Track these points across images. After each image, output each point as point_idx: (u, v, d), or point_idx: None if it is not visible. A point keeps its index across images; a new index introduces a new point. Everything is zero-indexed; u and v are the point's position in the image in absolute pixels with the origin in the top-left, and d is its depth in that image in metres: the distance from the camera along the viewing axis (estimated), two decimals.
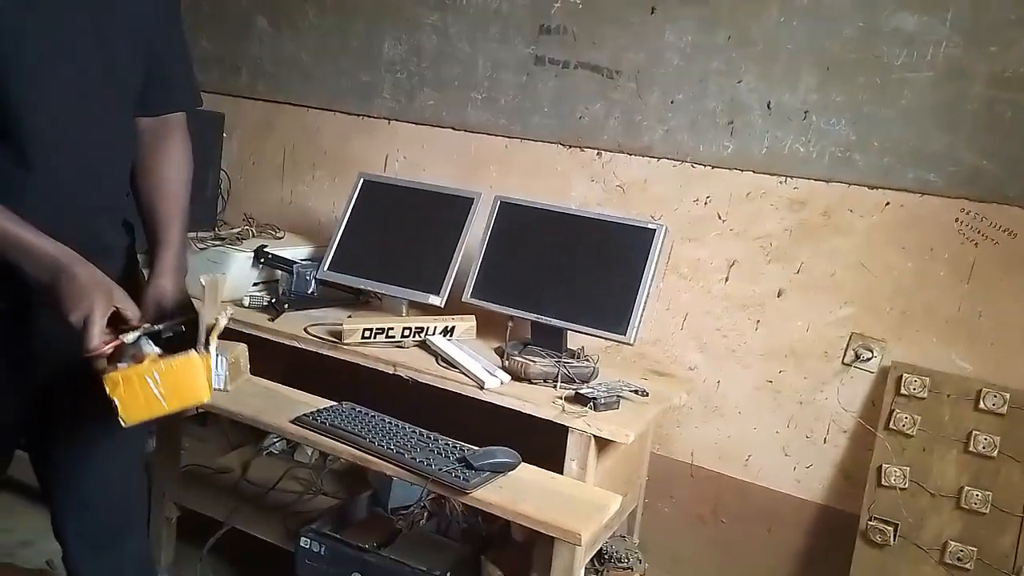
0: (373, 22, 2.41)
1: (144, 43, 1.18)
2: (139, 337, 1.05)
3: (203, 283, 1.08)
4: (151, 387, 1.02)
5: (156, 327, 1.07)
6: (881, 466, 1.86)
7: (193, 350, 1.04)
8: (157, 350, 1.05)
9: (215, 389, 1.78)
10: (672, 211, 2.12)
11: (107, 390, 1.01)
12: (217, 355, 1.79)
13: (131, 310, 1.05)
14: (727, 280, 2.08)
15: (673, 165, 2.11)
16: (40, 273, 1.03)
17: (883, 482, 1.85)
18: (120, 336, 1.03)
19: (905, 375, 1.86)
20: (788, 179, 1.99)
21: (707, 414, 2.12)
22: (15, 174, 1.07)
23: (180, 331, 1.10)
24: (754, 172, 2.02)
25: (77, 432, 1.26)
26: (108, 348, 1.02)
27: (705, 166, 2.07)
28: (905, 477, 1.83)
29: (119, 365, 1.03)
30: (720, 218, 2.07)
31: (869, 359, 1.93)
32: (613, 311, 1.85)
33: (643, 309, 1.83)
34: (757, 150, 2.01)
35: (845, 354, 1.96)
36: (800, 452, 2.02)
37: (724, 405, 2.10)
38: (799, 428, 2.02)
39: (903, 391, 1.86)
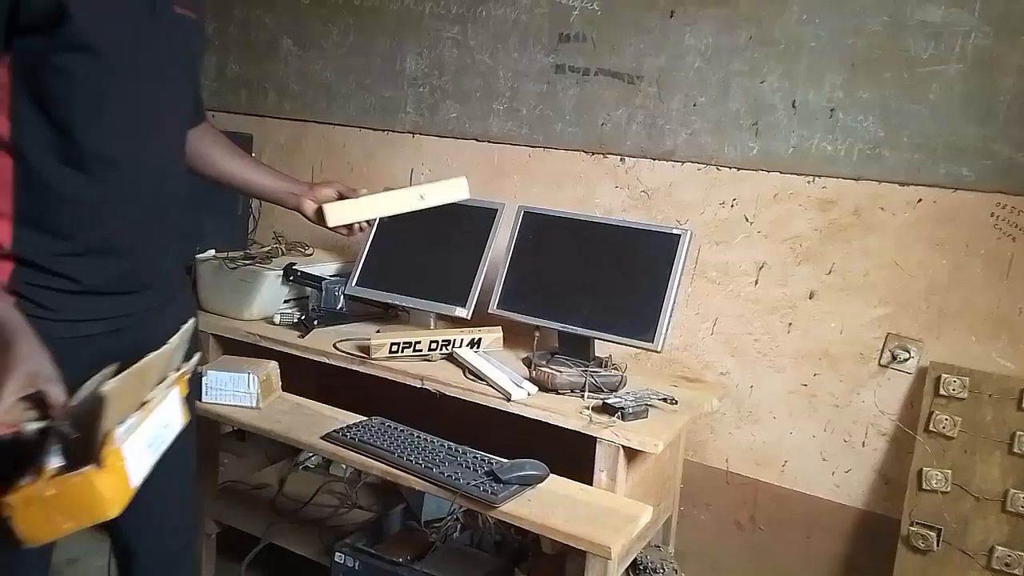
0: (395, 38, 2.43)
1: (195, 76, 1.37)
2: (42, 428, 0.96)
3: (103, 393, 0.93)
4: (50, 509, 0.93)
5: (61, 425, 0.97)
6: (922, 470, 1.81)
7: (92, 465, 0.94)
8: (58, 463, 0.95)
9: (250, 408, 1.82)
10: (698, 215, 2.09)
11: (3, 512, 0.92)
12: (249, 374, 1.82)
13: (54, 395, 0.97)
14: (757, 283, 2.05)
15: (698, 168, 2.09)
16: None
17: (924, 486, 1.80)
18: (22, 424, 0.95)
19: (944, 375, 1.81)
20: (816, 178, 1.96)
21: (741, 419, 2.09)
22: (99, 191, 1.14)
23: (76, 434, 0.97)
24: (781, 172, 1.99)
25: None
26: (4, 431, 0.93)
27: (730, 168, 2.05)
28: (947, 480, 1.78)
29: (21, 481, 0.93)
30: (747, 220, 2.05)
31: (906, 360, 1.89)
32: (640, 318, 1.84)
33: (670, 316, 1.81)
34: (783, 150, 1.98)
35: (881, 355, 1.92)
36: (838, 456, 1.98)
37: (758, 410, 2.07)
38: (836, 432, 1.98)
39: (942, 392, 1.81)
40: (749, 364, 2.07)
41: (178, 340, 1.13)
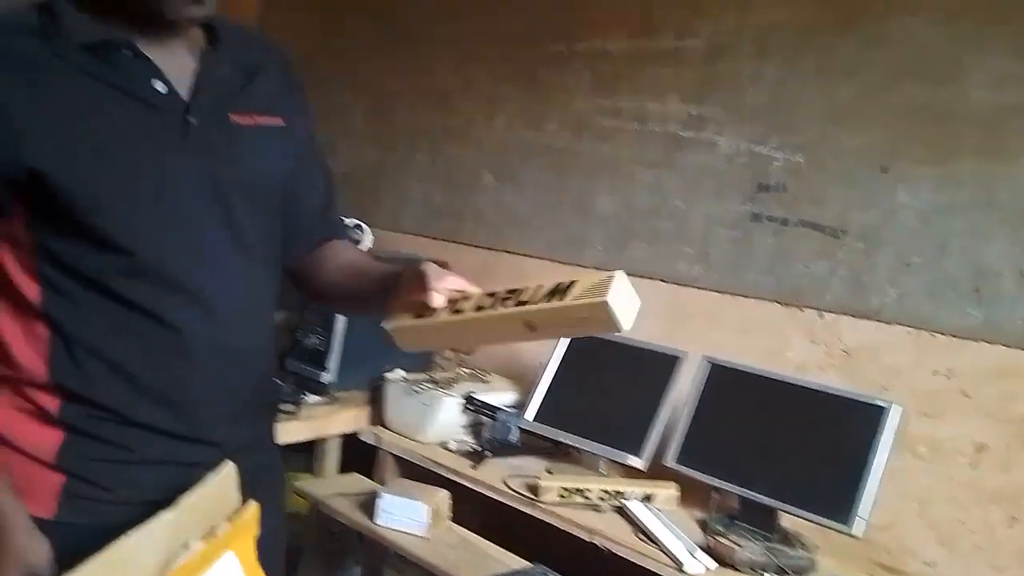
0: (589, 178, 2.50)
1: (272, 200, 1.10)
2: None
3: None
4: None
5: None
6: None
7: None
8: None
9: (419, 536, 1.83)
10: (906, 382, 1.91)
11: None
12: (423, 504, 1.84)
13: None
14: (975, 466, 1.81)
15: (908, 332, 1.92)
16: None
17: None
18: None
19: None
20: None
21: None
22: (155, 332, 0.98)
23: None
24: (1007, 346, 1.78)
25: None
26: None
27: (946, 335, 1.87)
28: None
29: None
30: (965, 395, 1.83)
31: None
32: (834, 496, 1.67)
33: (872, 500, 1.64)
34: (1011, 321, 1.78)
35: None
36: None
37: None
38: None
39: None
40: (962, 557, 1.81)
41: (179, 509, 0.88)
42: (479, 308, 0.93)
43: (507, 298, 0.93)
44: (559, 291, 0.91)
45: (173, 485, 0.93)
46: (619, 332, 0.89)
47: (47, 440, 0.98)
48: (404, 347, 1.01)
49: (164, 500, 0.89)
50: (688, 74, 2.29)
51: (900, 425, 1.70)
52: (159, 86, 0.97)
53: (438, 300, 0.95)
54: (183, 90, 0.99)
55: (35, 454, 0.98)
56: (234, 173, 1.02)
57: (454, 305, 0.95)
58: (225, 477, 0.96)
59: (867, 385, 1.93)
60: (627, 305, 0.89)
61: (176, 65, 1.00)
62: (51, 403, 0.98)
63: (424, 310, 0.96)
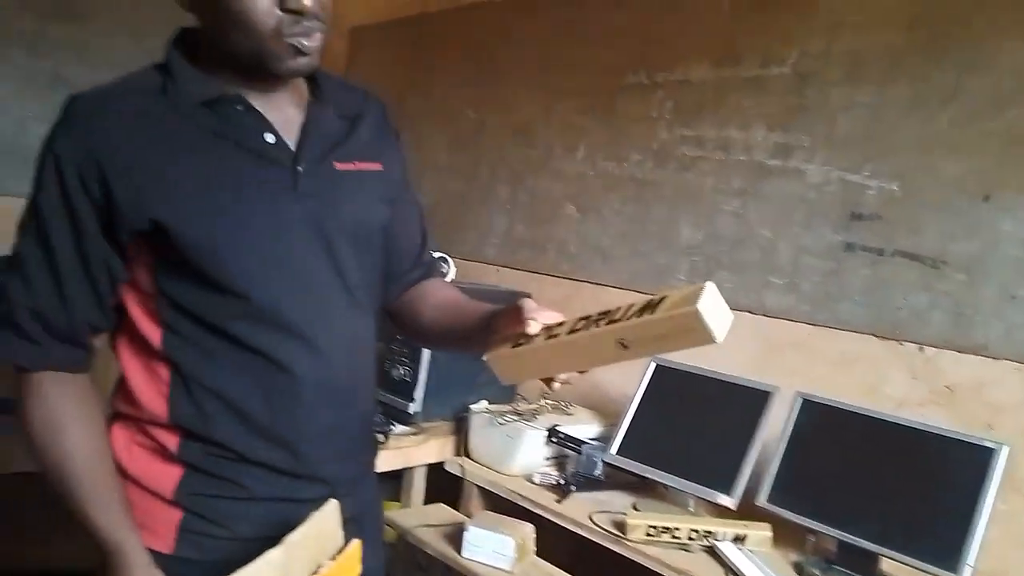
0: (672, 209, 2.48)
1: (373, 243, 1.13)
2: None
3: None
4: None
5: None
6: None
7: None
8: None
9: (504, 570, 1.83)
10: (1014, 420, 1.81)
11: None
12: (509, 538, 1.84)
13: None
14: None
15: (1016, 367, 1.82)
16: (98, 545, 0.98)
17: None
18: None
19: None
20: None
21: None
22: (265, 374, 1.02)
23: None
24: None
25: None
26: None
27: None
28: None
29: None
30: None
31: None
32: (939, 541, 1.59)
33: (979, 546, 1.55)
34: None
35: None
36: None
37: None
38: None
39: None
40: None
41: (285, 548, 0.90)
42: (573, 331, 0.94)
43: (599, 319, 0.94)
44: (650, 307, 0.91)
45: (285, 522, 0.96)
46: (712, 343, 0.87)
47: (167, 476, 1.03)
48: (503, 379, 1.02)
49: (276, 537, 0.92)
50: (773, 102, 2.25)
51: (1008, 466, 1.61)
52: (269, 137, 1.02)
53: (534, 328, 0.96)
54: (291, 140, 1.04)
55: (155, 489, 1.03)
56: (338, 218, 1.06)
57: (549, 332, 0.97)
58: (328, 515, 0.98)
59: (972, 423, 1.84)
60: (719, 316, 0.87)
61: (283, 117, 1.05)
62: (171, 441, 1.02)
63: (521, 340, 0.98)
